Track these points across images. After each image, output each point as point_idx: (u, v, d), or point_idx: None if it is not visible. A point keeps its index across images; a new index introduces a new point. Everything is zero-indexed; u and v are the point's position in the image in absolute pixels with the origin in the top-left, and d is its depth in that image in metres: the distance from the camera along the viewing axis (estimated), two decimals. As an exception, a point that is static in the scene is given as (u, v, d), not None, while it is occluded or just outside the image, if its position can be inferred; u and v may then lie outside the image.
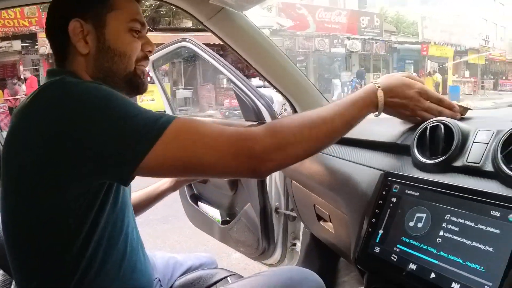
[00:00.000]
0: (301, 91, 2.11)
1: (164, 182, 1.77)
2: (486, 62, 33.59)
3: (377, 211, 1.14)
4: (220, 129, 1.02)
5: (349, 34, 24.47)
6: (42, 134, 0.97)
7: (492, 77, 34.55)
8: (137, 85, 1.26)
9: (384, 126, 1.55)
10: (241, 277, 1.70)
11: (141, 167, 0.95)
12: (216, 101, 18.26)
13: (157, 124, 0.97)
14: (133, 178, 1.01)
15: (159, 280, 1.58)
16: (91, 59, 1.18)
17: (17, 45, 16.68)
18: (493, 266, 0.87)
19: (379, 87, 1.20)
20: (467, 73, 31.15)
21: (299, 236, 2.63)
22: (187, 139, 0.99)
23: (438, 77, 24.83)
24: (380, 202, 1.15)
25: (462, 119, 1.32)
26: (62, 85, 1.01)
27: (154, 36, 16.39)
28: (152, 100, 17.01)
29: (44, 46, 16.52)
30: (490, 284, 0.86)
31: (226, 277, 1.71)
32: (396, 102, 1.23)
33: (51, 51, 1.30)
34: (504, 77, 34.98)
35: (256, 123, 2.43)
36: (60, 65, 1.21)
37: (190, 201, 3.12)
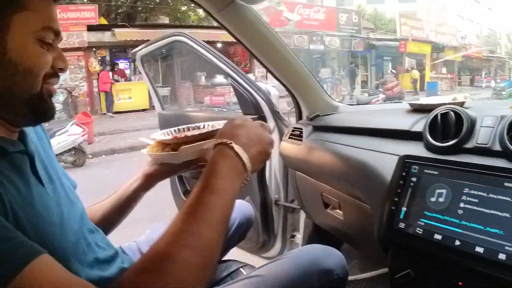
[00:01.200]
0: (305, 86, 2.19)
1: (135, 179, 1.42)
2: (463, 59, 34.02)
3: (398, 190, 1.24)
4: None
5: (328, 31, 24.56)
6: None
7: (468, 73, 35.13)
8: (43, 111, 0.94)
9: (392, 116, 1.66)
10: (253, 267, 1.65)
11: None
12: (194, 99, 18.14)
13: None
14: None
15: None
16: None
17: None
18: (511, 229, 1.00)
19: (230, 143, 0.96)
20: (444, 70, 31.55)
21: (298, 228, 2.71)
22: None
23: (416, 73, 25.13)
24: (401, 182, 1.24)
25: (466, 107, 1.43)
26: None
27: (130, 33, 16.26)
28: (130, 98, 16.90)
29: None
30: (510, 244, 0.98)
31: (238, 268, 1.72)
32: (258, 151, 1.02)
33: None
34: (480, 74, 35.53)
35: (255, 116, 2.49)
36: None
37: (183, 198, 3.14)
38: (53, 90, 0.95)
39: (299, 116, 2.34)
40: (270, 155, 1.06)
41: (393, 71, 24.71)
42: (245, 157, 0.96)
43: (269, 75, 2.16)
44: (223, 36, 15.27)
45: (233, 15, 1.86)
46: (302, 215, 2.61)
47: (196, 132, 1.33)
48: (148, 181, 1.40)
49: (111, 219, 1.37)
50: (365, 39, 26.78)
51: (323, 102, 2.23)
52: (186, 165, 1.35)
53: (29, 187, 0.88)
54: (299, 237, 2.68)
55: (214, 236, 0.85)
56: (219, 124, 1.39)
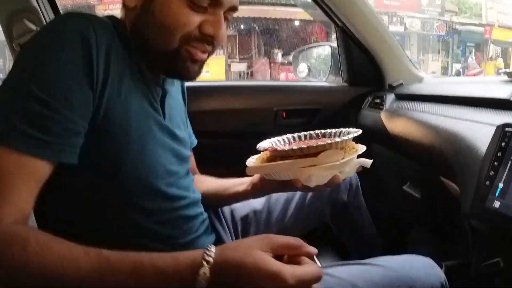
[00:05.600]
0: (388, 52, 2.06)
1: (240, 183, 1.24)
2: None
3: (495, 163, 1.06)
4: None
5: (409, 12, 23.70)
6: None
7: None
8: (178, 70, 0.96)
9: (486, 85, 1.50)
10: None
11: None
12: (270, 75, 18.16)
13: None
14: None
15: None
16: (133, 15, 0.95)
17: (74, 17, 17.19)
18: None
19: (207, 262, 0.71)
20: (531, 59, 29.84)
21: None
22: None
23: (500, 62, 23.87)
24: (499, 154, 1.06)
25: None
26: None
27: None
28: (207, 72, 17.25)
29: (101, 18, 17.00)
30: None
31: None
32: None
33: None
34: None
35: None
36: None
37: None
38: (196, 54, 0.94)
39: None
40: None
41: (473, 57, 23.61)
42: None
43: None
44: (300, 14, 15.15)
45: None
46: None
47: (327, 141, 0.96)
48: (256, 193, 1.22)
49: (208, 198, 1.25)
50: (448, 23, 25.69)
51: (407, 71, 2.06)
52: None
53: (142, 101, 0.94)
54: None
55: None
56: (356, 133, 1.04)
